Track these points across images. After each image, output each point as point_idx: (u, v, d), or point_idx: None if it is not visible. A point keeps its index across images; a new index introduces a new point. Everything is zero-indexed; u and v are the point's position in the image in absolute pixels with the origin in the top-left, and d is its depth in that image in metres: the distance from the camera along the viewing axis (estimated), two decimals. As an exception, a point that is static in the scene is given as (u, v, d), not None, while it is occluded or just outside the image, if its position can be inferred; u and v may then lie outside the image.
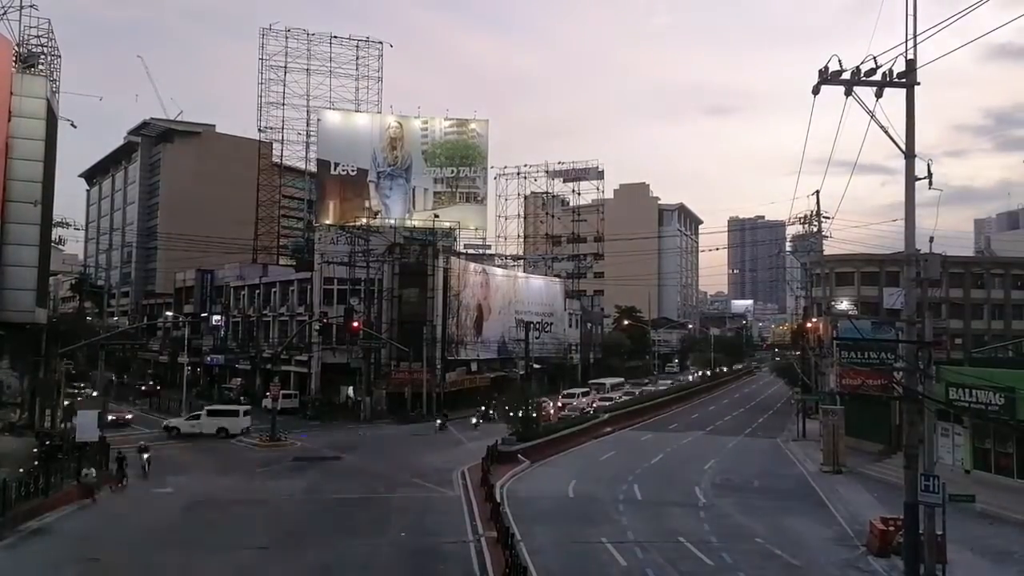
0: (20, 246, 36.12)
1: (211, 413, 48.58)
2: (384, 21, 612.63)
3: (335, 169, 73.06)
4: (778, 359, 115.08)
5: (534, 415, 42.77)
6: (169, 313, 77.13)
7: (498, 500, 27.25)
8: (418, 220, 72.01)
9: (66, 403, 44.76)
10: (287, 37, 78.00)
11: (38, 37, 40.17)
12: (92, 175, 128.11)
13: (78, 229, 54.04)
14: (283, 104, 78.54)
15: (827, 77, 16.93)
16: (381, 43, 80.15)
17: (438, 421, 51.68)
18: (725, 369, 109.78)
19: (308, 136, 79.13)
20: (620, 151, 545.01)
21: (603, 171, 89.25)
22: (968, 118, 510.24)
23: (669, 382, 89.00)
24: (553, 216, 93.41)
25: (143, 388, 70.92)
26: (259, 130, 79.49)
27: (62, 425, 41.63)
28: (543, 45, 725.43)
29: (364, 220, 67.40)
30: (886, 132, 16.96)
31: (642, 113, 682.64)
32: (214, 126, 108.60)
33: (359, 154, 72.97)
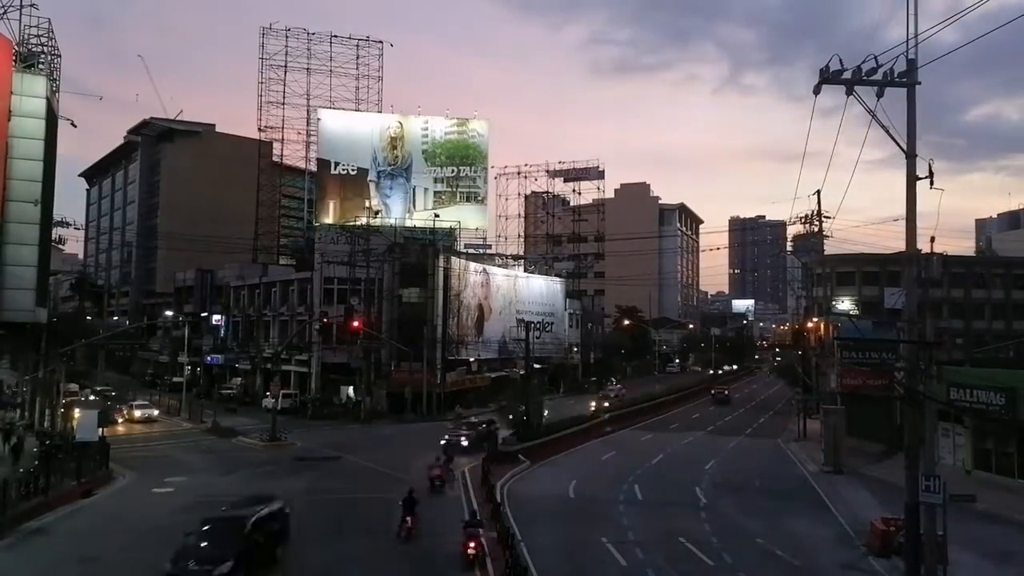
0: (20, 246, 36.19)
1: None
2: (382, 26, 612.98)
3: (335, 168, 72.98)
4: (779, 359, 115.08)
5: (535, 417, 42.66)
6: (169, 313, 77.05)
7: (498, 500, 27.25)
8: (418, 220, 71.94)
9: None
10: (287, 36, 77.93)
11: (38, 36, 40.15)
12: (92, 175, 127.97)
13: (78, 229, 53.93)
14: (283, 103, 78.47)
15: (828, 76, 16.88)
16: (381, 42, 80.00)
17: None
18: (727, 368, 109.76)
19: (308, 136, 79.08)
20: (621, 150, 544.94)
21: (603, 171, 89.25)
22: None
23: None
24: (553, 216, 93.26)
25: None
26: (259, 130, 79.51)
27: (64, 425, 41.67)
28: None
29: (364, 220, 67.34)
30: (887, 132, 16.93)
31: (642, 111, 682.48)
32: (214, 126, 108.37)
33: (359, 153, 72.87)
